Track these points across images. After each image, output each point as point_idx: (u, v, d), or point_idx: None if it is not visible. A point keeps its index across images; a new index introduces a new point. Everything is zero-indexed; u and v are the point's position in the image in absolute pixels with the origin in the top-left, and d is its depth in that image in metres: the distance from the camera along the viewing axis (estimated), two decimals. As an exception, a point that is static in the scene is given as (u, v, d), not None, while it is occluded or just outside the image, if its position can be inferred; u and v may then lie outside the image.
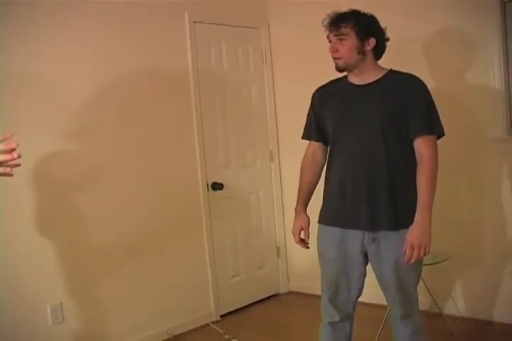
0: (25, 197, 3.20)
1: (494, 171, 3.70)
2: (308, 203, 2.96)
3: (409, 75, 2.71)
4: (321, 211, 2.89)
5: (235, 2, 4.33)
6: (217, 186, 4.17)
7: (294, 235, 2.95)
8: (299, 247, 4.52)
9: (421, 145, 2.62)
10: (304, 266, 4.62)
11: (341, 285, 2.83)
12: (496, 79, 3.60)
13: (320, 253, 2.89)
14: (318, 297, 4.44)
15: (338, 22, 2.65)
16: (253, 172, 4.52)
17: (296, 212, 2.97)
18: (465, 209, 3.81)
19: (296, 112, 4.51)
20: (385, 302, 3.52)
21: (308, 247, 2.94)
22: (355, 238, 2.73)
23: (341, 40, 2.66)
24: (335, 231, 2.77)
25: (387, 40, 2.73)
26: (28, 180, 3.18)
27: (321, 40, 4.26)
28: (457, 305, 3.89)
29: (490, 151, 3.66)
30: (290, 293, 4.75)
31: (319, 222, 2.88)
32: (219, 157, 4.24)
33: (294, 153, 4.56)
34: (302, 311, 4.39)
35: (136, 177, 3.70)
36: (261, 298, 4.55)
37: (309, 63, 4.41)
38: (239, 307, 4.36)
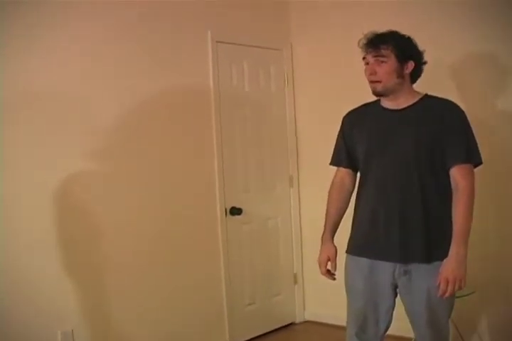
0: (40, 216, 3.09)
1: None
2: (335, 231, 2.86)
3: (446, 101, 2.60)
4: (349, 240, 2.78)
5: (258, 22, 4.25)
6: (235, 211, 4.05)
7: (320, 266, 2.83)
8: (316, 274, 4.47)
9: (457, 174, 2.51)
10: (321, 294, 4.49)
11: (369, 319, 2.70)
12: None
13: (347, 285, 2.76)
14: (335, 326, 4.37)
15: (377, 43, 2.52)
16: (272, 198, 4.40)
17: (323, 240, 2.85)
18: (492, 239, 3.66)
19: (317, 136, 4.46)
20: (409, 335, 3.42)
21: (334, 279, 2.81)
22: (386, 270, 2.61)
23: (380, 62, 2.53)
24: (364, 262, 2.66)
25: (425, 63, 2.63)
26: (46, 200, 3.09)
27: (344, 63, 4.26)
28: (481, 338, 3.74)
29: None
30: (306, 322, 4.59)
31: (347, 251, 2.77)
32: (238, 181, 4.12)
33: (314, 178, 4.51)
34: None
35: (155, 200, 3.59)
36: (276, 327, 4.40)
37: (332, 86, 4.33)
38: (254, 336, 4.20)
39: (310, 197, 4.54)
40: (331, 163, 2.90)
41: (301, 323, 4.58)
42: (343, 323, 4.23)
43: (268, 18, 4.36)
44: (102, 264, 3.34)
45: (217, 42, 3.92)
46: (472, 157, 2.53)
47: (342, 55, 4.24)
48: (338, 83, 4.29)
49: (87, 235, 3.29)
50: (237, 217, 4.05)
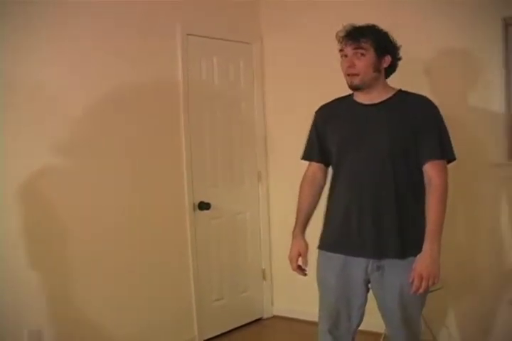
0: (4, 213, 3.00)
1: (493, 196, 3.61)
2: (306, 226, 2.84)
3: (420, 96, 2.60)
4: (321, 236, 2.75)
5: (229, 16, 4.20)
6: (204, 206, 4.00)
7: (290, 261, 2.80)
8: (284, 270, 4.45)
9: (431, 170, 2.50)
10: (289, 289, 4.48)
11: (342, 315, 2.70)
12: (497, 103, 3.52)
13: (320, 281, 2.75)
14: (303, 321, 4.36)
15: (357, 35, 2.50)
16: (241, 193, 4.37)
17: (294, 235, 2.83)
18: (461, 235, 3.70)
19: (286, 131, 4.44)
20: (378, 330, 3.43)
21: (305, 274, 2.79)
22: (359, 266, 2.59)
23: (360, 55, 2.50)
24: (337, 258, 2.64)
25: (400, 59, 2.62)
26: (10, 195, 3.00)
27: (315, 58, 4.24)
28: (451, 333, 3.77)
29: (489, 176, 3.57)
30: (274, 317, 4.58)
31: (319, 247, 2.75)
32: (207, 176, 4.07)
33: (282, 173, 4.49)
34: (286, 336, 4.27)
35: (123, 195, 3.52)
36: (245, 322, 4.38)
37: (302, 81, 4.31)
38: (222, 332, 4.17)
39: (278, 192, 4.52)
40: (302, 158, 2.86)
41: (269, 318, 4.56)
42: (311, 318, 4.27)
43: (239, 11, 4.31)
44: (69, 261, 3.27)
45: (187, 35, 3.85)
46: (446, 153, 2.53)
47: (312, 50, 4.23)
48: (308, 79, 4.27)
49: (53, 231, 3.20)
50: (205, 211, 4.01)
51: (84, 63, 3.32)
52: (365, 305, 2.69)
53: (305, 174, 2.85)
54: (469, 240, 3.70)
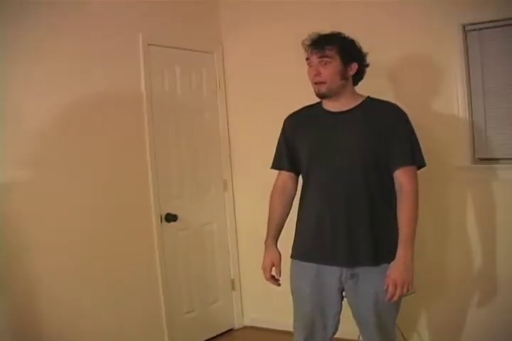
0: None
1: (458, 200, 3.64)
2: (278, 236, 2.82)
3: (389, 103, 2.61)
4: (294, 245, 2.74)
5: (189, 25, 4.17)
6: (171, 218, 3.94)
7: (264, 271, 2.77)
8: (253, 280, 4.44)
9: (402, 176, 2.52)
10: (258, 299, 4.46)
11: (317, 324, 2.69)
12: (460, 108, 3.56)
13: (294, 291, 2.74)
14: (273, 331, 4.34)
15: (322, 43, 2.51)
16: (207, 203, 4.32)
17: (266, 245, 2.80)
18: (429, 239, 3.72)
19: (250, 140, 4.42)
20: (354, 337, 3.42)
21: (279, 284, 2.77)
22: (333, 274, 2.59)
23: (325, 63, 2.51)
24: (310, 267, 2.63)
25: (367, 65, 2.63)
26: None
27: (276, 63, 4.23)
28: (422, 336, 3.79)
29: (454, 180, 3.61)
30: (245, 327, 4.54)
31: (292, 257, 2.73)
32: (173, 187, 4.02)
33: (248, 182, 4.47)
34: (259, 346, 4.22)
35: (87, 208, 3.44)
36: (216, 333, 4.33)
37: (265, 90, 4.30)
38: (195, 344, 4.12)
39: (245, 201, 4.50)
40: (272, 167, 2.85)
41: (240, 329, 4.52)
42: (282, 328, 4.29)
43: (199, 20, 4.28)
44: (33, 276, 3.16)
45: (148, 45, 3.81)
46: (416, 159, 2.55)
47: (274, 58, 4.22)
48: (271, 85, 4.26)
49: (16, 246, 3.09)
50: (172, 223, 3.95)
51: (43, 74, 3.24)
52: (339, 314, 2.68)
53: (275, 184, 2.84)
54: (436, 243, 3.72)
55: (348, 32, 2.64)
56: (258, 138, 4.35)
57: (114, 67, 3.63)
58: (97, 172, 3.51)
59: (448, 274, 3.69)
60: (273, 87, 4.25)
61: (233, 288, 4.50)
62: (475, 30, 3.52)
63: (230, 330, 4.47)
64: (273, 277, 2.75)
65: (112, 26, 3.61)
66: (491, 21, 3.46)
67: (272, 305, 4.37)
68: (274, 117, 4.18)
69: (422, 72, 3.69)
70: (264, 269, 2.76)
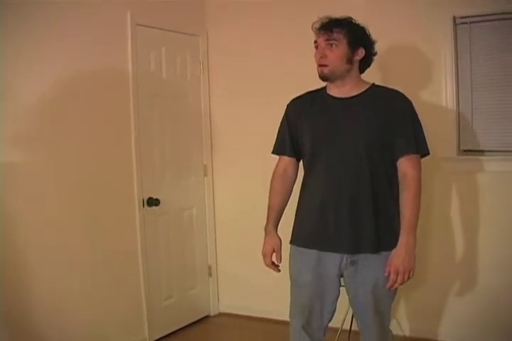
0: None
1: (442, 191, 3.69)
2: (279, 222, 2.78)
3: (394, 91, 2.61)
4: (294, 231, 2.71)
5: (177, 7, 4.08)
6: (153, 202, 3.88)
7: (264, 257, 2.73)
8: (229, 266, 4.42)
9: (406, 164, 2.53)
10: (234, 286, 4.44)
11: (315, 311, 2.66)
12: (447, 100, 3.61)
13: (293, 277, 2.70)
14: (248, 318, 4.33)
15: (331, 26, 2.49)
16: (187, 188, 4.26)
17: (267, 232, 2.76)
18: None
19: (231, 125, 4.38)
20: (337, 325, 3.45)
21: (279, 270, 2.74)
22: (333, 261, 2.58)
23: (331, 45, 2.49)
24: (311, 254, 2.60)
25: (375, 54, 2.62)
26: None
27: (260, 50, 4.19)
28: (401, 324, 3.84)
29: (439, 171, 3.65)
30: (221, 314, 4.52)
31: (293, 243, 2.70)
32: (155, 170, 3.95)
33: (227, 168, 4.43)
34: (235, 333, 4.22)
35: (72, 191, 3.35)
36: (193, 320, 4.29)
37: (248, 74, 4.27)
38: (172, 331, 4.06)
39: (224, 187, 4.46)
40: (273, 152, 2.81)
41: (215, 316, 4.50)
42: (257, 314, 4.31)
43: (186, 1, 4.21)
44: (17, 261, 3.07)
45: (136, 25, 3.71)
46: (420, 147, 2.56)
47: (258, 43, 4.19)
48: (254, 71, 4.23)
49: (1, 228, 3.00)
50: (154, 208, 3.89)
51: (32, 53, 3.12)
52: (337, 300, 2.68)
53: (275, 169, 2.80)
54: (418, 232, 3.75)
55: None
56: (238, 124, 4.33)
57: (102, 47, 3.53)
58: (83, 153, 3.42)
59: (428, 263, 3.74)
60: (256, 74, 4.22)
61: (210, 274, 4.46)
62: (466, 23, 3.57)
63: (206, 317, 4.44)
64: (273, 263, 2.72)
65: (100, 3, 3.50)
66: (481, 15, 3.51)
67: (248, 292, 4.37)
68: (256, 104, 4.20)
69: (411, 64, 3.72)
70: (264, 255, 2.72)
